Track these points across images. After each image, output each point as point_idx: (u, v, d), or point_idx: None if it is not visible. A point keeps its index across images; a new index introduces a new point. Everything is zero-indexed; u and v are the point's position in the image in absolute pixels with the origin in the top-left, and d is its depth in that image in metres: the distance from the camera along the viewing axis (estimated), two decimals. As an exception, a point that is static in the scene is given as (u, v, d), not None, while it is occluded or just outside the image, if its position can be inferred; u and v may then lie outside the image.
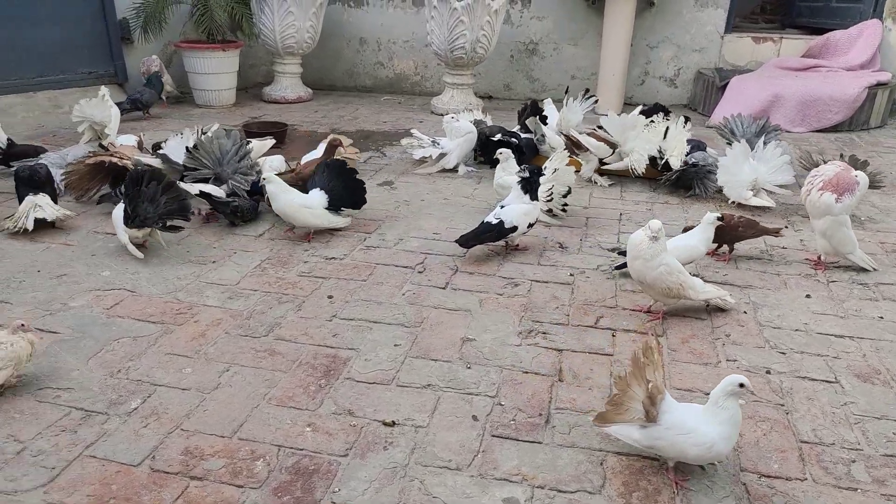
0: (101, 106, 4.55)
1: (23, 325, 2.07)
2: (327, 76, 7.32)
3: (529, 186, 3.14)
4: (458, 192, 4.08)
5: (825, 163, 3.94)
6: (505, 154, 3.55)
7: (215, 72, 6.17)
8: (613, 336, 2.48)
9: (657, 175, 4.15)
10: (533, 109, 4.52)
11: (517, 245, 3.26)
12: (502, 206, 3.16)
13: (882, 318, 2.64)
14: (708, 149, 4.30)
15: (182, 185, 3.35)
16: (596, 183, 4.26)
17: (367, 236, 3.37)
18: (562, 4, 6.63)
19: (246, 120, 5.70)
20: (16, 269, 2.90)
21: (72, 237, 3.26)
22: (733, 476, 1.80)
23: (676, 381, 2.21)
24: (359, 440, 1.91)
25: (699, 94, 6.43)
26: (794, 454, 1.89)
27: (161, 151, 3.84)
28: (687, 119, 4.30)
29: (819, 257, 3.10)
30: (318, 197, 3.31)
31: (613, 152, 4.27)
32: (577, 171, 3.70)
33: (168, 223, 3.06)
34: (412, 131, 4.59)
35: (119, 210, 3.02)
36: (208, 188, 3.41)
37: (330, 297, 2.74)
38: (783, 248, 3.30)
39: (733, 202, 3.81)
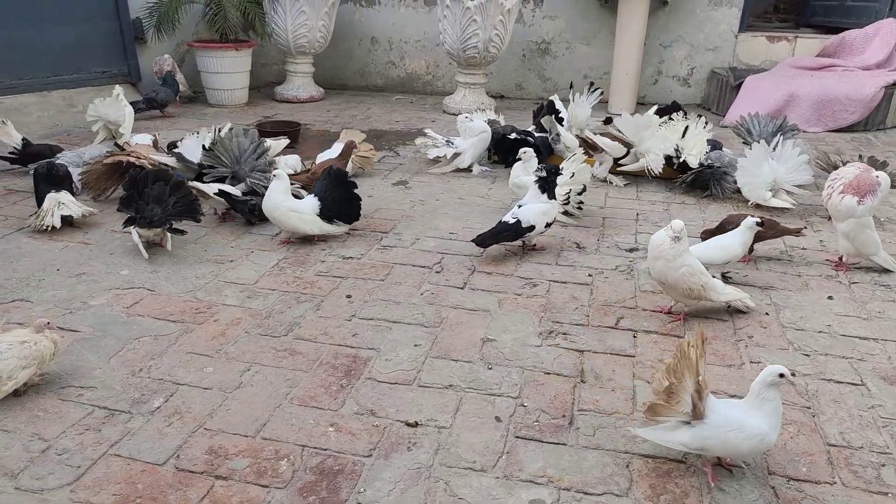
0: (116, 105, 4.57)
1: (48, 323, 2.07)
2: (339, 76, 7.33)
3: (547, 186, 3.13)
4: (473, 192, 4.07)
5: (843, 164, 3.93)
6: (529, 153, 3.53)
7: (228, 71, 6.19)
8: (634, 337, 2.46)
9: (673, 175, 4.13)
10: (548, 108, 4.49)
11: (534, 245, 3.25)
12: (519, 206, 3.14)
13: (906, 320, 2.62)
14: (724, 149, 4.28)
15: (198, 184, 3.36)
16: (611, 183, 4.24)
17: (384, 236, 3.36)
18: (574, 3, 6.61)
19: (259, 119, 5.70)
20: (35, 267, 2.91)
21: (90, 236, 3.27)
22: (761, 479, 1.78)
23: (700, 383, 2.19)
24: (382, 441, 1.91)
25: (713, 93, 6.39)
26: (822, 457, 1.86)
27: (176, 150, 3.85)
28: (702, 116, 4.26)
29: (840, 258, 3.07)
30: (309, 202, 3.21)
31: (628, 152, 4.25)
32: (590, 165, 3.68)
33: (174, 225, 3.05)
34: (426, 131, 4.59)
35: None
36: (226, 187, 3.41)
37: (348, 296, 2.73)
38: (803, 248, 3.27)
39: (752, 203, 3.78)
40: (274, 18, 6.22)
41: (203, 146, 3.68)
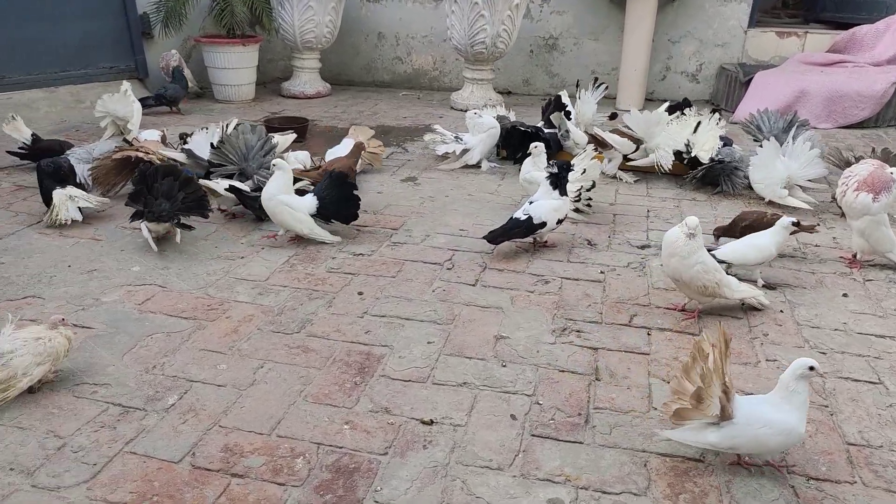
0: (124, 101, 4.57)
1: (63, 319, 2.07)
2: (345, 71, 7.30)
3: (558, 182, 3.11)
4: (483, 188, 4.05)
5: (855, 160, 3.91)
6: (539, 148, 3.51)
7: (235, 67, 6.17)
8: (649, 335, 2.45)
9: (683, 171, 4.10)
10: (557, 104, 4.47)
11: (545, 242, 3.23)
12: (531, 202, 3.13)
13: (922, 317, 2.59)
14: (734, 145, 4.25)
15: (208, 181, 3.36)
16: (621, 179, 4.22)
17: (394, 232, 3.35)
18: (582, -1, 6.58)
19: (266, 115, 5.69)
20: (46, 264, 2.91)
21: (100, 232, 3.26)
22: (781, 479, 1.77)
23: (716, 381, 2.17)
24: (398, 439, 1.90)
25: (722, 89, 6.35)
26: (841, 456, 1.85)
27: (186, 147, 3.84)
28: (717, 112, 4.23)
29: (854, 255, 3.05)
30: (306, 201, 3.14)
31: (637, 148, 4.23)
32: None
33: (182, 220, 3.05)
34: (435, 127, 4.57)
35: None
36: (236, 183, 3.40)
37: (360, 293, 2.72)
38: (816, 245, 3.25)
39: (768, 201, 3.75)
40: (281, 13, 6.19)
41: (211, 143, 3.67)
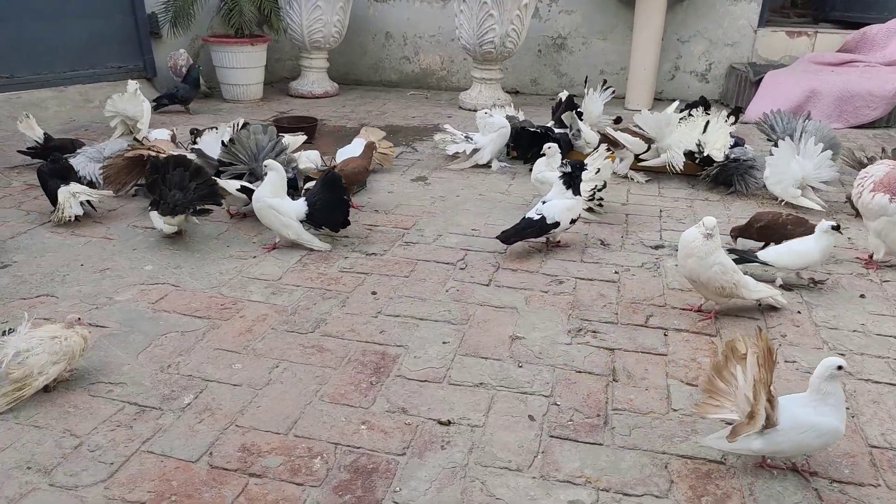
0: (134, 100, 4.56)
1: (79, 318, 2.06)
2: (353, 71, 7.30)
3: (572, 181, 3.09)
4: (494, 188, 4.04)
5: (868, 159, 3.88)
6: (553, 149, 3.49)
7: (243, 66, 6.17)
8: (665, 335, 2.43)
9: (695, 170, 4.08)
10: (568, 104, 4.45)
11: (558, 241, 3.22)
12: (544, 202, 3.11)
13: (941, 319, 2.57)
14: (746, 145, 4.22)
15: (219, 180, 3.35)
16: (632, 179, 4.20)
17: (406, 232, 3.34)
18: (591, -2, 6.56)
19: (275, 115, 5.68)
20: (59, 262, 2.90)
21: (112, 231, 3.26)
22: (804, 481, 1.75)
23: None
24: (415, 439, 1.88)
25: (731, 89, 6.33)
26: (864, 459, 1.83)
27: (196, 146, 3.84)
28: (734, 113, 4.20)
29: (870, 256, 3.02)
30: (296, 205, 3.06)
31: (649, 148, 4.21)
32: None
33: (199, 207, 3.06)
34: (445, 126, 4.55)
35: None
36: (246, 183, 3.40)
37: (373, 293, 2.71)
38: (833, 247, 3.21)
39: (782, 201, 3.72)
40: (289, 13, 6.19)
41: (222, 142, 3.66)
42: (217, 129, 3.87)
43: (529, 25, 6.03)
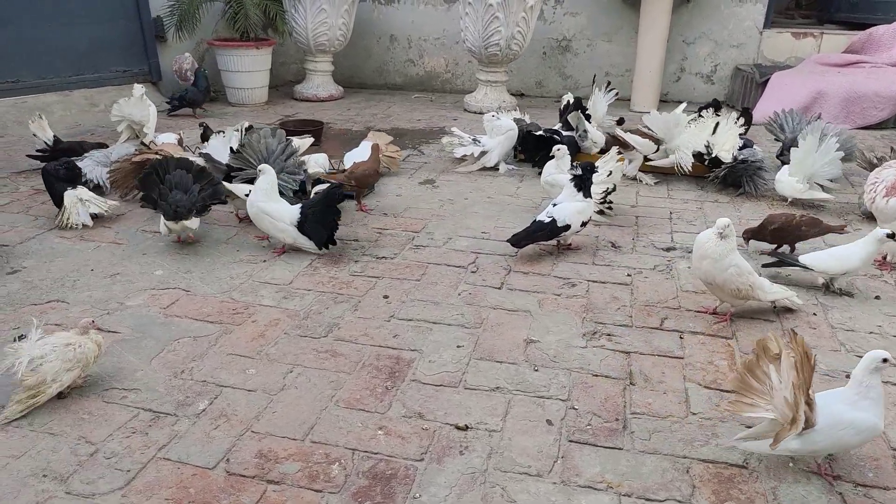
0: (140, 105, 4.55)
1: (92, 322, 2.05)
2: (357, 74, 7.29)
3: (583, 184, 3.08)
4: (502, 191, 4.02)
5: (878, 160, 3.87)
6: (562, 151, 3.48)
7: (248, 70, 6.17)
8: (681, 338, 2.41)
9: (704, 172, 4.07)
10: (576, 105, 4.44)
11: (569, 244, 3.20)
12: (554, 205, 3.10)
13: (958, 320, 2.55)
14: (754, 146, 4.21)
15: (228, 185, 3.34)
16: (641, 181, 4.18)
17: (416, 235, 3.32)
18: (596, 0, 6.54)
19: (280, 118, 5.68)
20: (69, 268, 2.89)
21: (121, 235, 3.25)
22: (828, 485, 1.73)
23: (753, 386, 2.13)
24: (433, 444, 1.87)
25: (737, 90, 6.31)
26: (888, 462, 1.81)
27: (204, 151, 3.82)
28: (745, 115, 4.20)
29: (884, 257, 3.00)
30: (291, 211, 3.01)
31: (658, 149, 4.20)
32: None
33: (204, 207, 3.06)
34: (452, 129, 4.55)
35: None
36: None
37: (385, 296, 2.69)
38: (844, 247, 3.20)
39: (788, 201, 3.71)
40: (294, 16, 6.19)
41: (231, 148, 3.65)
42: (224, 133, 3.86)
43: (535, 27, 6.03)
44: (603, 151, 4.17)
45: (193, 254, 3.06)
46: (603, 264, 3.03)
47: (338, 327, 2.46)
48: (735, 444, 1.82)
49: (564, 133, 4.42)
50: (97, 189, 3.66)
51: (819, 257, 2.72)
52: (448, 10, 6.81)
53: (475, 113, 5.96)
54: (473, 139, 4.42)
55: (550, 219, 3.03)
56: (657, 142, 4.16)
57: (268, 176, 3.04)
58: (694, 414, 2.00)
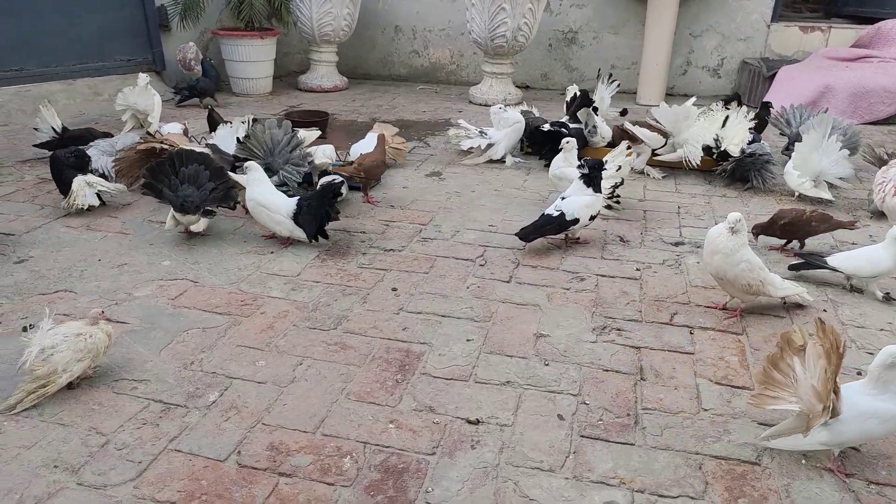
0: (145, 94, 4.53)
1: (102, 312, 2.04)
2: (362, 65, 7.26)
3: (592, 179, 3.06)
4: (509, 184, 4.01)
5: (888, 155, 3.85)
6: (571, 143, 3.46)
7: (253, 60, 6.14)
8: (691, 333, 2.40)
9: (712, 166, 4.05)
10: (584, 100, 4.42)
11: (577, 238, 3.19)
12: (563, 198, 3.08)
13: (969, 318, 2.54)
14: (762, 140, 4.19)
15: (234, 175, 3.32)
16: (649, 175, 4.16)
17: (423, 228, 3.31)
18: (602, -8, 6.50)
19: (285, 109, 5.65)
20: (76, 257, 2.88)
21: (128, 225, 3.24)
22: (841, 483, 1.73)
23: (764, 382, 2.12)
24: (444, 438, 1.86)
25: (744, 84, 6.28)
26: (900, 461, 1.81)
27: (210, 142, 3.80)
28: (764, 109, 4.18)
29: None
30: (287, 203, 3.00)
31: (666, 143, 4.18)
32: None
33: (210, 208, 3.05)
34: (459, 121, 4.52)
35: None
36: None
37: (394, 289, 2.68)
38: (853, 243, 3.19)
39: (796, 196, 3.69)
40: (299, 6, 6.15)
41: (237, 138, 3.63)
42: (231, 123, 3.84)
43: (541, 19, 5.98)
44: (610, 145, 4.16)
45: (201, 244, 3.05)
46: (611, 259, 3.01)
47: (347, 319, 2.45)
48: (762, 443, 1.82)
49: (572, 126, 4.39)
50: (102, 178, 3.63)
51: (849, 259, 2.67)
52: (453, 1, 6.76)
53: (481, 105, 5.93)
54: (480, 131, 4.40)
55: (559, 212, 3.02)
56: (665, 135, 4.14)
57: (255, 171, 3.04)
58: (705, 410, 1.99)
